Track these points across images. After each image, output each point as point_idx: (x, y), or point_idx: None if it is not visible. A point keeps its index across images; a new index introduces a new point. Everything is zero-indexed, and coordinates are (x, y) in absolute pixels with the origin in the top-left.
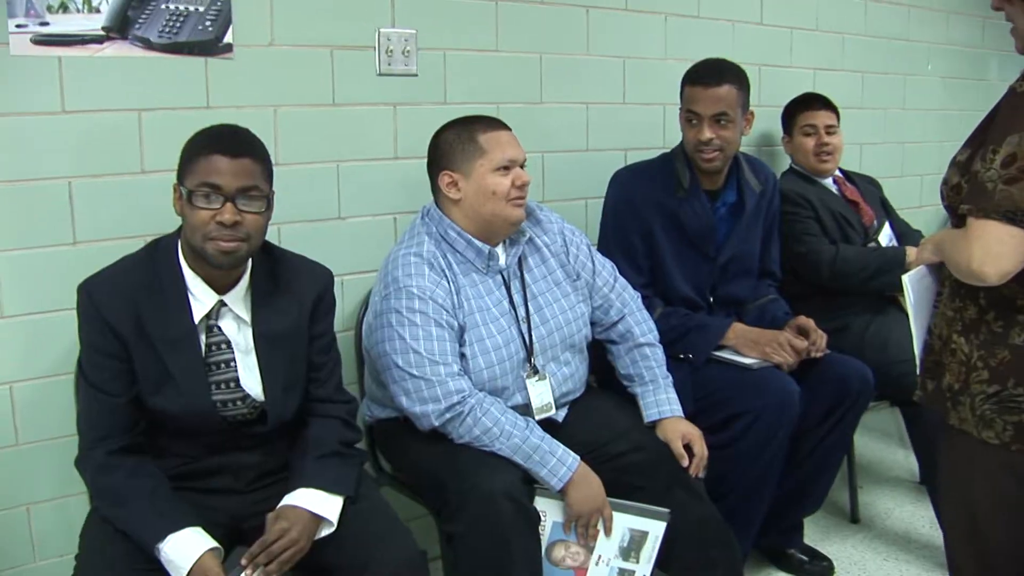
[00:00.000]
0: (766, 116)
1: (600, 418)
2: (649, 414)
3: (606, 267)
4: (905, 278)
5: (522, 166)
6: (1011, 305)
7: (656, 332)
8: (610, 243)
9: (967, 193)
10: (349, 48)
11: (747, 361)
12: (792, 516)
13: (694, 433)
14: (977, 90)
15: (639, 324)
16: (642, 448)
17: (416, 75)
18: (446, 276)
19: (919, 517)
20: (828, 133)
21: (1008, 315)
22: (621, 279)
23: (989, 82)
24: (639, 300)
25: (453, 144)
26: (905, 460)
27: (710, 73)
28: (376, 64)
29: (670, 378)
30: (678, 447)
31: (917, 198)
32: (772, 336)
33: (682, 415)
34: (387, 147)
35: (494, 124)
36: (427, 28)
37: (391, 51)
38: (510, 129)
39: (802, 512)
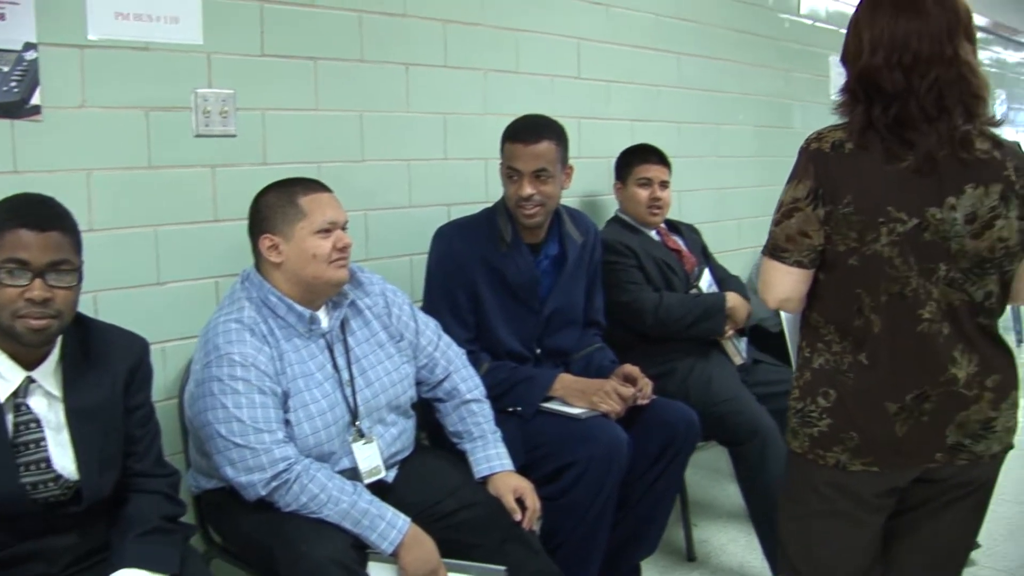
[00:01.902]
0: (586, 168)
1: (430, 477)
2: (479, 470)
3: (430, 326)
4: (785, 320)
5: (344, 228)
6: (816, 334)
7: (483, 388)
8: (435, 299)
9: None
10: (164, 109)
11: (575, 411)
12: (629, 560)
13: (525, 486)
14: (784, 137)
15: (465, 381)
16: (473, 505)
17: (235, 136)
18: (268, 342)
19: (752, 551)
20: (661, 188)
21: (814, 343)
22: (445, 337)
23: (794, 129)
24: (464, 357)
25: (274, 207)
26: (736, 495)
27: (528, 130)
28: (193, 125)
29: (499, 433)
30: (510, 501)
31: (736, 241)
32: (599, 385)
33: (512, 469)
34: (206, 210)
35: (314, 186)
36: (245, 88)
37: (208, 112)
38: (331, 191)
39: (639, 555)
